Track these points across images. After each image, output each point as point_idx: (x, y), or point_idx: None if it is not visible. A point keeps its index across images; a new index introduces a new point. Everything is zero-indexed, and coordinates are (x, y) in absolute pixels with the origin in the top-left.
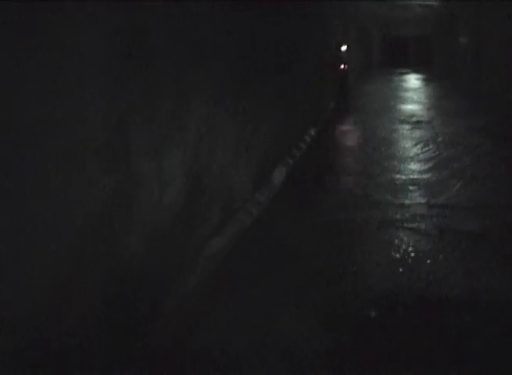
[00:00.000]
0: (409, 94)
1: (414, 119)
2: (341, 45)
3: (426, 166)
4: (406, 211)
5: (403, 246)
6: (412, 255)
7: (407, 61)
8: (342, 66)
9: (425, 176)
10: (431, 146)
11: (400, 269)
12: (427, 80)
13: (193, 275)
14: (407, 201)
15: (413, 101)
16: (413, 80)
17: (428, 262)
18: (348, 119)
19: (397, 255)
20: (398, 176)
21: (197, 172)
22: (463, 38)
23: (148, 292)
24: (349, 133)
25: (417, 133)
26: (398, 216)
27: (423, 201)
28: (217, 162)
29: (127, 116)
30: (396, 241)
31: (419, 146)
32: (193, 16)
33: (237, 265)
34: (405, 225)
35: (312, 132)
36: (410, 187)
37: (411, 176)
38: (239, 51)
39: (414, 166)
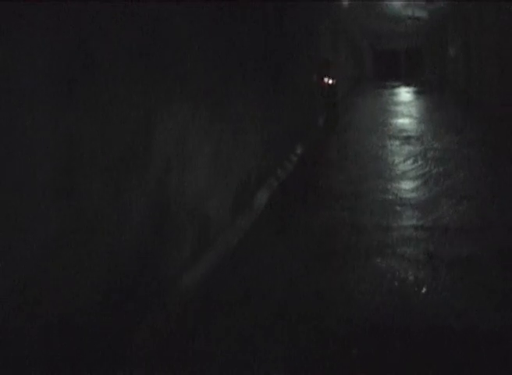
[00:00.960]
0: (400, 108)
1: (404, 134)
2: (328, 59)
3: (415, 184)
4: (393, 235)
5: (388, 275)
6: (396, 284)
7: (398, 74)
8: (329, 81)
9: (414, 195)
10: (420, 162)
11: (385, 301)
12: (418, 93)
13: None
14: (394, 224)
15: (403, 115)
16: (404, 93)
17: (415, 291)
18: (336, 135)
19: (382, 285)
20: (385, 196)
21: (165, 199)
22: (453, 50)
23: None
24: (336, 151)
25: (407, 149)
26: (384, 241)
27: (411, 223)
28: (190, 187)
29: (78, 135)
30: (381, 270)
31: (408, 163)
32: (170, 33)
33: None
34: (392, 251)
35: (298, 150)
36: (398, 208)
37: (399, 196)
38: (219, 61)
39: (402, 185)
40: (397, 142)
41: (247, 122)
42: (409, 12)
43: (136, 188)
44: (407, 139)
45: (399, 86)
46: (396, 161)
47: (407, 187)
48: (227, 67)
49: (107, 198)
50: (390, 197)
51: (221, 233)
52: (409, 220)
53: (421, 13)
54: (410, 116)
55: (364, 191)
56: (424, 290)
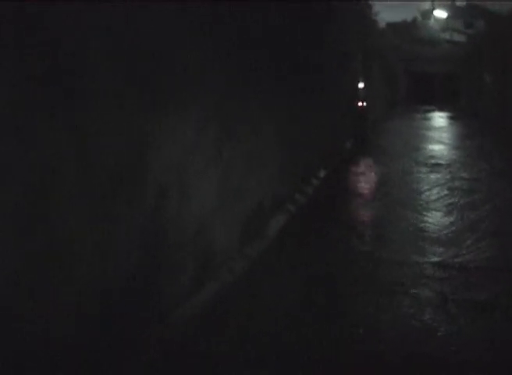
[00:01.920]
0: (431, 133)
1: (433, 160)
2: (359, 82)
3: (439, 217)
4: (409, 272)
5: (398, 319)
6: (404, 329)
7: (432, 98)
8: (360, 103)
9: (435, 228)
10: (447, 192)
11: (390, 346)
12: (451, 119)
13: None
14: (411, 259)
15: (434, 141)
16: (437, 118)
17: (423, 339)
18: (363, 161)
19: (390, 330)
20: (406, 227)
21: (159, 227)
22: (488, 76)
23: None
24: (361, 177)
25: (435, 178)
26: (399, 279)
27: (429, 259)
28: (190, 213)
29: (53, 157)
30: (391, 312)
31: (434, 192)
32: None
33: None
34: (405, 290)
35: (322, 174)
36: (418, 243)
37: (420, 228)
38: (232, 68)
39: (424, 217)
40: (425, 169)
41: (263, 142)
42: (447, 36)
43: (125, 215)
44: (435, 166)
45: (433, 110)
46: (422, 189)
47: (429, 219)
48: (242, 76)
49: (88, 224)
50: (410, 228)
51: (225, 264)
52: (427, 256)
53: (458, 38)
54: (441, 142)
55: (383, 221)
56: (433, 335)
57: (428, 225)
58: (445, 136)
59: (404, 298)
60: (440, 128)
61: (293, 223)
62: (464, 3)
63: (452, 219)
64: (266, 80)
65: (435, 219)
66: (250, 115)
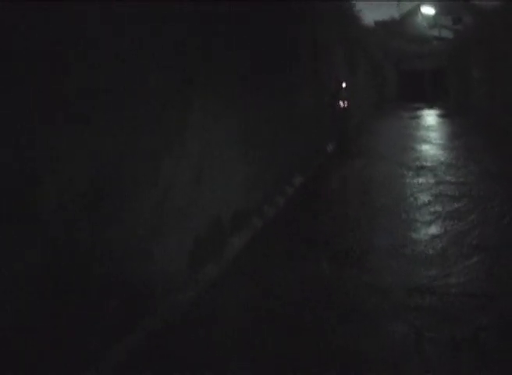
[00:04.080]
0: (419, 133)
1: (419, 163)
2: (341, 80)
3: (419, 229)
4: (380, 299)
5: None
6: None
7: (421, 95)
8: (342, 104)
9: (416, 244)
10: (431, 198)
11: None
12: (440, 117)
13: None
14: (384, 284)
15: (422, 141)
16: (425, 117)
17: None
18: (343, 165)
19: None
20: (383, 245)
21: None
22: (477, 72)
23: None
24: (341, 182)
25: (419, 182)
26: (368, 307)
27: (402, 283)
28: (121, 236)
29: None
30: (352, 352)
31: (420, 200)
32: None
33: None
34: (373, 323)
35: (297, 180)
36: (392, 262)
37: (399, 244)
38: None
39: (404, 230)
40: (410, 173)
41: (220, 149)
42: (435, 33)
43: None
44: (421, 169)
45: (421, 108)
46: (407, 197)
47: (409, 233)
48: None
49: None
50: (387, 246)
51: (165, 296)
52: (401, 278)
53: (447, 34)
54: (429, 142)
55: (358, 236)
56: None
57: (406, 240)
58: (433, 136)
59: (371, 334)
60: (428, 127)
61: (257, 240)
62: None
63: (435, 231)
64: (254, 85)
65: (416, 235)
66: (201, 116)
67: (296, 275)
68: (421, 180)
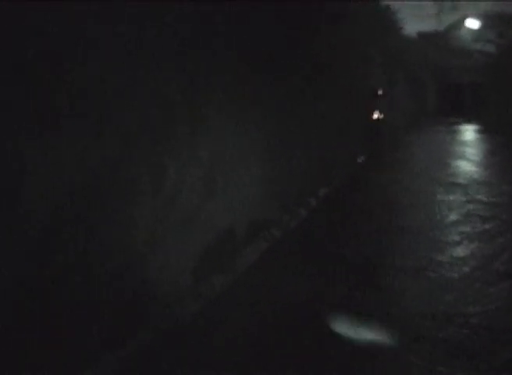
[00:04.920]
0: (455, 148)
1: (452, 179)
2: (377, 91)
3: (447, 252)
4: (392, 323)
5: None
6: None
7: (460, 109)
8: (376, 115)
9: (438, 266)
10: (460, 218)
11: None
12: (479, 132)
13: None
14: (397, 308)
15: (457, 157)
16: (463, 132)
17: None
18: (373, 178)
19: None
20: (402, 262)
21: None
22: None
23: None
24: (365, 197)
25: (451, 200)
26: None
27: (418, 309)
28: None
29: None
30: None
31: (448, 219)
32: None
33: None
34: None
35: (322, 192)
36: (410, 285)
37: (421, 267)
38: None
39: (429, 250)
40: (441, 189)
41: (237, 155)
42: (478, 46)
43: None
44: (452, 186)
45: (459, 123)
46: (435, 217)
47: (432, 253)
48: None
49: None
50: (406, 264)
51: (166, 308)
52: (421, 305)
53: (490, 48)
54: (464, 158)
55: (378, 255)
56: None
57: (429, 262)
58: (469, 151)
59: None
60: (465, 142)
61: (272, 254)
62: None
63: (461, 253)
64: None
65: (442, 254)
66: (215, 118)
67: (308, 291)
68: (451, 197)
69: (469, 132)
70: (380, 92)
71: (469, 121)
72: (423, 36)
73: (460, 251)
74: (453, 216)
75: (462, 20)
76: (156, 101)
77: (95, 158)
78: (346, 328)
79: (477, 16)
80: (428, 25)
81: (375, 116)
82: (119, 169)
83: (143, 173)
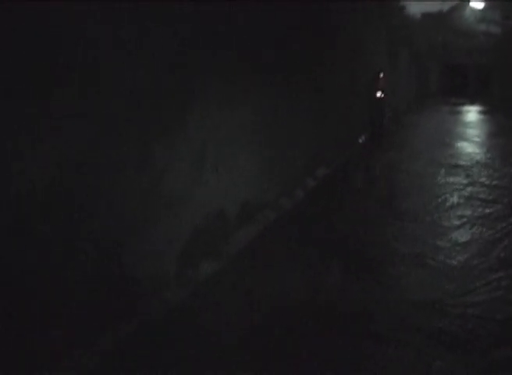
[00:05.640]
0: (458, 129)
1: (453, 161)
2: (379, 70)
3: (447, 237)
4: (387, 315)
5: None
6: None
7: (464, 90)
8: (379, 94)
9: (437, 253)
10: (461, 201)
11: None
12: (482, 113)
13: None
14: (394, 297)
15: (459, 138)
16: (467, 113)
17: None
18: (374, 158)
19: None
20: (401, 248)
21: None
22: None
23: None
24: (365, 178)
25: (452, 182)
26: (374, 322)
27: (415, 298)
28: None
29: None
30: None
31: (449, 202)
32: None
33: None
34: (375, 343)
35: (321, 173)
36: (408, 272)
37: (419, 250)
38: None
39: (428, 235)
40: (443, 171)
41: (231, 132)
42: (483, 27)
43: None
44: (454, 168)
45: (462, 104)
46: (434, 197)
47: (432, 239)
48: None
49: None
50: (404, 250)
51: (144, 297)
52: (418, 294)
53: (495, 29)
54: (466, 140)
55: (375, 240)
56: None
57: (428, 248)
58: (472, 133)
59: None
60: (468, 123)
61: (265, 238)
62: None
63: (461, 238)
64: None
65: (441, 240)
66: (207, 94)
67: (301, 279)
68: (452, 179)
69: (472, 113)
70: (382, 73)
71: (472, 102)
72: (427, 16)
73: (460, 237)
74: (453, 199)
75: (467, 1)
76: (142, 81)
77: (82, 132)
78: None
79: None
80: (432, 6)
81: (377, 96)
82: (101, 148)
83: (125, 153)
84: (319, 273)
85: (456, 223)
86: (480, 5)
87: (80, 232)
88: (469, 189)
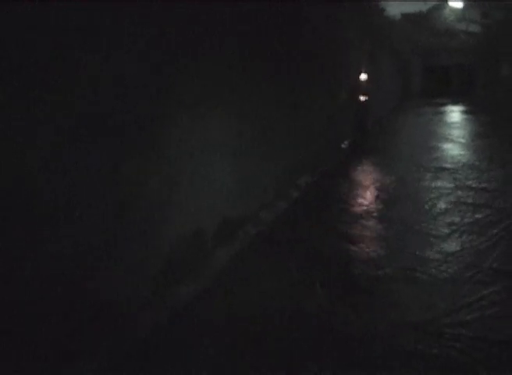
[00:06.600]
0: (442, 130)
1: (439, 164)
2: (361, 73)
3: (435, 247)
4: (370, 337)
5: None
6: None
7: (447, 91)
8: (360, 98)
9: (424, 265)
10: (449, 206)
11: None
12: (466, 113)
13: None
14: (377, 318)
15: (444, 140)
16: (450, 113)
17: None
18: (357, 164)
19: None
20: (386, 262)
21: None
22: (506, 69)
23: None
24: (349, 185)
25: (439, 186)
26: (354, 347)
27: (399, 319)
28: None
29: None
30: None
31: (436, 208)
32: None
33: None
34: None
35: (303, 181)
36: (393, 288)
37: (405, 264)
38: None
39: (415, 246)
40: (428, 175)
41: (212, 142)
42: (463, 27)
43: None
44: (440, 171)
45: (445, 104)
46: (421, 203)
47: (418, 250)
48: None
49: None
50: (389, 264)
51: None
52: (403, 315)
53: (475, 28)
54: (451, 141)
55: (359, 255)
56: None
57: (414, 261)
58: (456, 133)
59: None
60: (451, 124)
61: (246, 255)
62: None
63: (450, 248)
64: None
65: (428, 250)
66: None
67: (284, 300)
68: (439, 183)
69: (455, 113)
70: (364, 75)
71: (455, 102)
72: (407, 17)
73: (450, 246)
74: (441, 205)
75: (445, 0)
76: (113, 91)
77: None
78: None
79: None
80: (412, 6)
81: (360, 99)
82: (66, 163)
83: (91, 168)
84: (303, 295)
85: (446, 231)
86: (459, 5)
87: (47, 252)
88: (457, 193)
